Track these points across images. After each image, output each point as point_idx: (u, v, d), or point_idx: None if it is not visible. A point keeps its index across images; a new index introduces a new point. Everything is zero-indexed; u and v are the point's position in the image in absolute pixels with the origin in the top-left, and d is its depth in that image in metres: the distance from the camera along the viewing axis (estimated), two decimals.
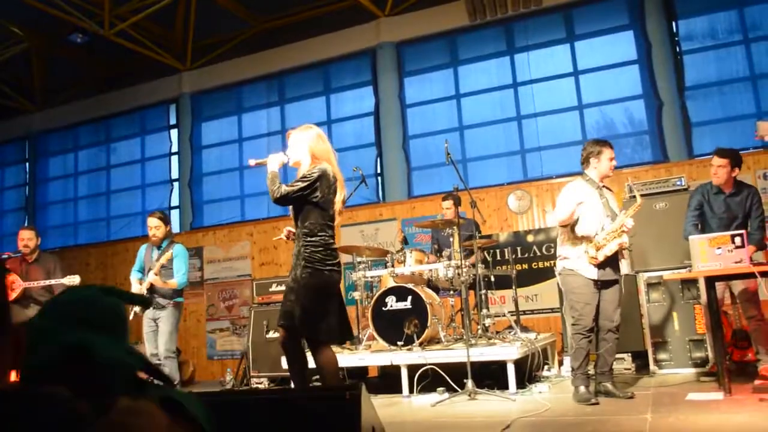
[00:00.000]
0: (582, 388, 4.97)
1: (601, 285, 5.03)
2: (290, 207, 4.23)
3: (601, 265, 4.98)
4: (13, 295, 6.33)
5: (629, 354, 6.66)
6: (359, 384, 2.56)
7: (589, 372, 5.13)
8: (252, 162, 4.34)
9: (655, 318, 6.54)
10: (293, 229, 4.27)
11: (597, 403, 4.82)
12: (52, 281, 6.45)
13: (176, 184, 11.68)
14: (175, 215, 11.38)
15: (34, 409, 0.90)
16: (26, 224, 12.37)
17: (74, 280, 6.23)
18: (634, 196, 5.27)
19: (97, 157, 12.66)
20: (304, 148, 4.17)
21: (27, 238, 6.67)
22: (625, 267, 5.33)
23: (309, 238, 4.02)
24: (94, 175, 12.63)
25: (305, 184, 4.01)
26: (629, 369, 6.59)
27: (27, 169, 13.35)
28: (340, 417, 2.53)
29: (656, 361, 6.45)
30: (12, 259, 6.79)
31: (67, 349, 1.10)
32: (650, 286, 6.62)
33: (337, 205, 4.14)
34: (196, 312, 10.59)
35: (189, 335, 10.38)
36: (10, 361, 0.98)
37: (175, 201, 11.62)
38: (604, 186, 5.25)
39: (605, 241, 4.95)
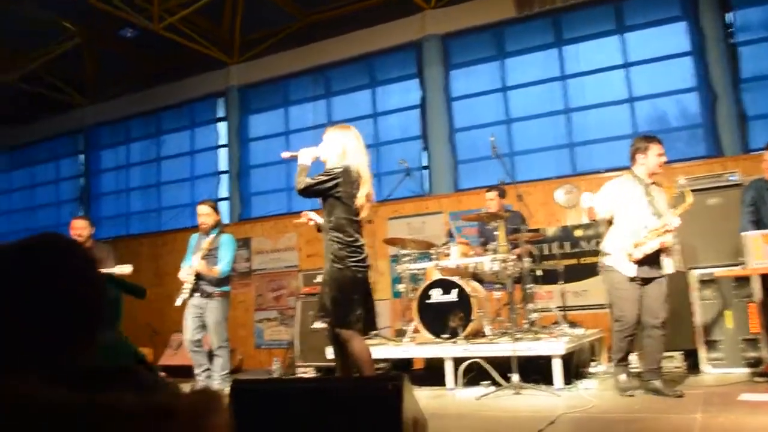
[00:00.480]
0: (622, 376, 5.03)
1: (643, 281, 4.95)
2: (320, 200, 4.37)
3: (640, 263, 4.89)
4: None
5: (680, 352, 6.51)
6: (402, 375, 2.57)
7: (629, 364, 5.13)
8: (285, 155, 4.55)
9: (706, 316, 6.36)
10: (314, 216, 4.50)
11: (633, 395, 4.86)
12: (104, 270, 6.58)
13: (225, 176, 11.86)
14: (223, 207, 11.55)
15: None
16: (81, 214, 12.71)
17: (125, 269, 6.30)
18: (683, 193, 5.15)
19: (148, 150, 12.93)
20: (337, 146, 4.35)
21: (80, 227, 6.80)
22: (669, 266, 5.21)
23: (335, 233, 4.20)
24: (145, 167, 12.91)
25: (325, 178, 4.23)
26: (679, 367, 6.45)
27: (82, 161, 13.73)
28: (382, 407, 2.54)
29: (708, 360, 6.29)
30: None
31: None
32: (702, 283, 6.43)
33: (360, 200, 4.25)
34: (245, 302, 10.75)
35: (237, 325, 10.53)
36: None
37: (223, 193, 11.81)
38: (653, 183, 5.13)
39: (646, 239, 4.86)
